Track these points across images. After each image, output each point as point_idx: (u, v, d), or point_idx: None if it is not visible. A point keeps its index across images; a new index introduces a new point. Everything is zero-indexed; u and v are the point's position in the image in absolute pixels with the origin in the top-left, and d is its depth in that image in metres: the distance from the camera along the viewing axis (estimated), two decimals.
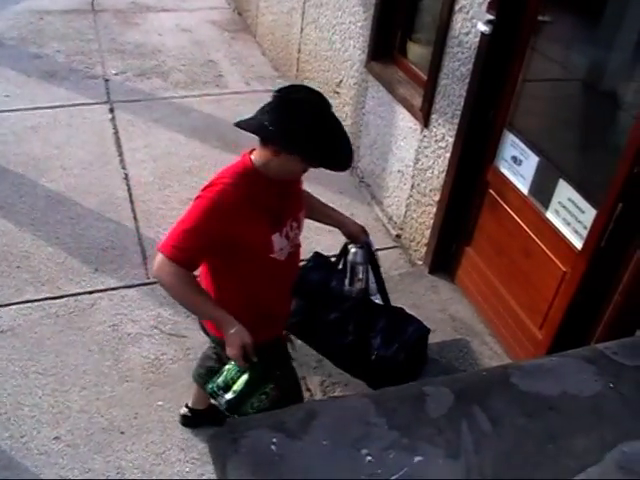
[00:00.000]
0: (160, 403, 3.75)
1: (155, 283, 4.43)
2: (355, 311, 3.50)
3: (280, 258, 2.74)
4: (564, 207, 3.59)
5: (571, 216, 3.55)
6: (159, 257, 2.57)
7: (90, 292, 4.38)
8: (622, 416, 1.52)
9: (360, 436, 1.36)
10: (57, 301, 4.28)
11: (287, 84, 2.86)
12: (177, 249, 2.53)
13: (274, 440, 1.34)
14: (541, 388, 1.55)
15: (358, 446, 1.35)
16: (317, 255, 3.88)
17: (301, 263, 3.26)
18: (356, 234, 3.15)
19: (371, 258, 3.23)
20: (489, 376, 1.62)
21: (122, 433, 3.59)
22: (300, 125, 2.47)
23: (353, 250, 3.15)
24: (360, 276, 3.19)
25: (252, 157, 2.67)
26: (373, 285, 3.32)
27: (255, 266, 2.72)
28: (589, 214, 3.41)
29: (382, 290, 3.43)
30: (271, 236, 2.67)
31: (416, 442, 1.37)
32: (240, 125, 2.59)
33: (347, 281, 3.21)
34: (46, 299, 4.30)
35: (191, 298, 2.64)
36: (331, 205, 5.36)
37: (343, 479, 1.29)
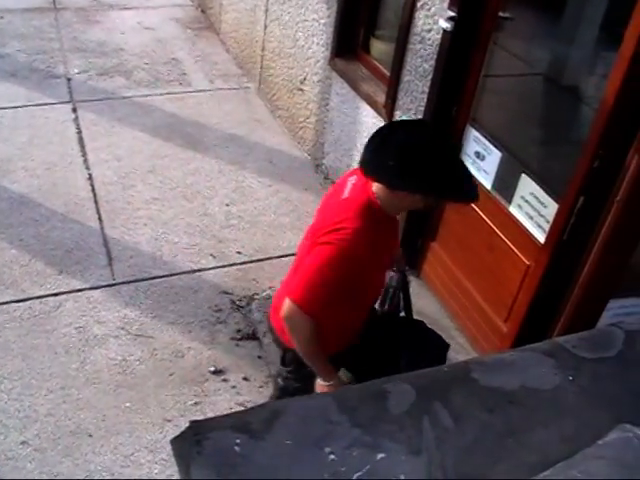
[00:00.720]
0: (128, 405, 3.74)
1: (121, 284, 4.42)
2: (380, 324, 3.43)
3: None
4: (527, 201, 3.64)
5: (534, 210, 3.59)
6: (292, 306, 2.54)
7: (55, 294, 4.34)
8: (581, 408, 1.55)
9: (323, 435, 1.37)
10: (22, 304, 4.24)
11: (387, 122, 2.82)
12: (313, 303, 2.51)
13: (237, 441, 1.34)
14: (502, 383, 1.57)
15: (321, 444, 1.35)
16: None
17: None
18: (397, 258, 3.14)
19: (404, 284, 3.25)
20: (450, 372, 1.63)
21: (90, 436, 3.57)
22: (431, 166, 2.41)
23: (390, 274, 3.16)
24: (392, 299, 3.21)
25: (374, 191, 2.57)
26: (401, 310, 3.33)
27: (359, 301, 2.75)
28: (551, 208, 3.46)
29: (408, 314, 3.39)
30: (385, 274, 2.67)
31: (378, 439, 1.38)
32: (367, 173, 2.52)
33: (378, 301, 3.23)
34: (10, 302, 4.25)
35: (315, 352, 2.65)
36: (296, 203, 5.40)
37: (307, 478, 1.30)
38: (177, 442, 1.36)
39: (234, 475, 1.27)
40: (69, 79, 6.78)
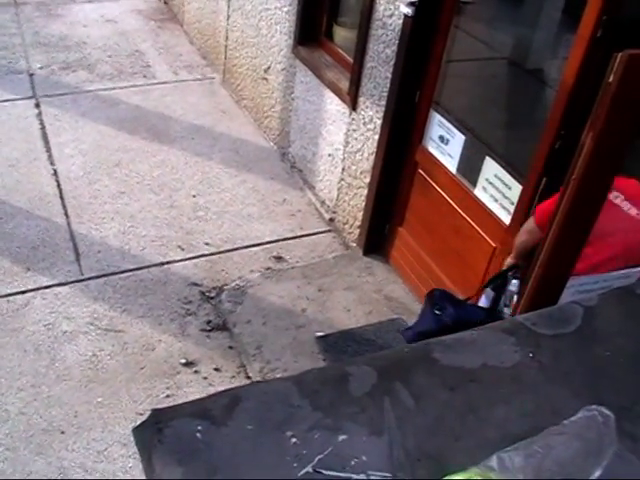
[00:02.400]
0: (99, 400, 3.72)
1: (90, 279, 4.39)
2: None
3: None
4: (491, 184, 3.66)
5: (498, 192, 3.62)
6: None
7: (23, 292, 4.30)
8: (541, 384, 1.57)
9: (284, 419, 1.38)
10: None
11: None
12: None
13: (199, 428, 1.34)
14: (462, 361, 1.58)
15: (283, 429, 1.36)
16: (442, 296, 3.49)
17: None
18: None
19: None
20: (411, 352, 1.64)
21: (62, 433, 3.55)
22: None
23: (514, 281, 3.21)
24: (513, 303, 3.26)
25: None
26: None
27: None
28: (515, 190, 3.48)
29: None
30: None
31: (340, 421, 1.39)
32: None
33: (502, 303, 3.26)
34: None
35: None
36: (264, 193, 5.39)
37: (269, 462, 1.30)
38: (138, 431, 1.37)
39: (196, 462, 1.28)
40: (31, 74, 6.70)
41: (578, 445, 1.32)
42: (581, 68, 2.98)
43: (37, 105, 6.21)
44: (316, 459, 1.30)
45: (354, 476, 1.28)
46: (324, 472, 1.28)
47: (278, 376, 3.66)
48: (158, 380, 3.84)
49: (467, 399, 1.50)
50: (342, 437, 1.35)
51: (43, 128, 5.89)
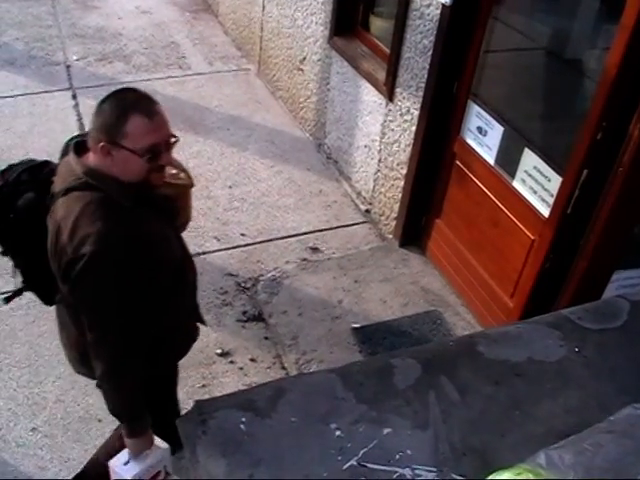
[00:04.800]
0: None
1: None
2: None
3: None
4: (530, 176, 3.62)
5: (537, 184, 3.57)
6: None
7: None
8: (586, 379, 1.54)
9: (328, 411, 1.37)
10: (27, 292, 4.24)
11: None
12: None
13: (243, 419, 1.34)
14: (507, 355, 1.57)
15: (327, 421, 1.36)
16: None
17: None
18: None
19: None
20: (456, 346, 1.63)
21: (99, 421, 3.58)
22: None
23: None
24: None
25: None
26: None
27: None
28: (555, 182, 3.43)
29: None
30: None
31: (384, 414, 1.38)
32: None
33: None
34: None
35: None
36: (300, 184, 5.38)
37: (313, 453, 1.30)
38: (183, 422, 1.37)
39: (240, 454, 1.28)
40: (68, 66, 6.75)
41: (628, 443, 1.30)
42: (624, 58, 2.92)
43: (74, 96, 6.26)
44: (361, 452, 1.29)
45: (399, 470, 1.27)
46: (369, 465, 1.28)
47: (314, 367, 3.66)
48: (194, 370, 3.85)
49: (512, 393, 1.49)
50: (387, 430, 1.34)
51: (80, 119, 5.92)
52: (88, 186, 2.14)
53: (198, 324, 2.79)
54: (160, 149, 2.11)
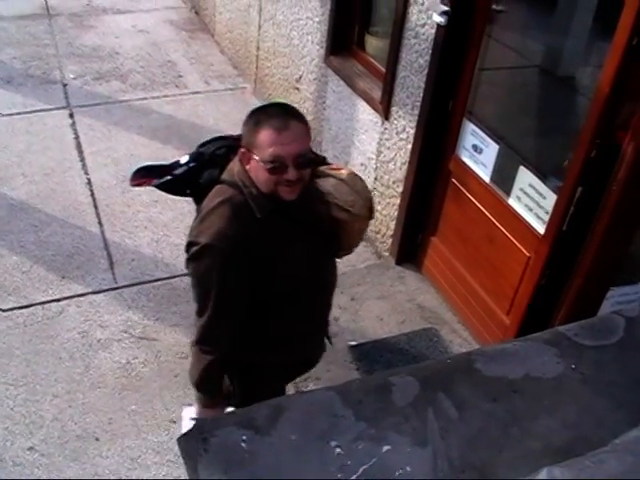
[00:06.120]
0: (133, 407, 3.74)
1: (123, 287, 4.43)
2: None
3: None
4: (525, 193, 3.64)
5: (533, 202, 3.60)
6: None
7: (58, 300, 4.35)
8: (584, 395, 1.56)
9: (328, 429, 1.38)
10: (24, 310, 4.25)
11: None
12: None
13: (244, 437, 1.35)
14: (505, 372, 1.58)
15: (327, 439, 1.37)
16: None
17: None
18: None
19: None
20: (453, 363, 1.64)
21: (97, 439, 3.58)
22: None
23: None
24: None
25: None
26: None
27: None
28: (550, 199, 3.46)
29: None
30: None
31: (383, 432, 1.39)
32: None
33: None
34: (13, 309, 4.25)
35: None
36: None
37: (313, 473, 1.31)
38: (184, 441, 1.38)
39: (241, 471, 1.29)
40: (65, 84, 6.78)
41: (631, 460, 1.31)
42: (617, 76, 2.95)
43: (71, 115, 6.29)
44: (361, 469, 1.30)
45: None
46: None
47: (311, 385, 3.66)
48: (192, 388, 3.84)
49: (510, 410, 1.50)
50: (386, 447, 1.35)
51: (77, 138, 5.95)
52: (235, 185, 2.36)
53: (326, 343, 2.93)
54: (284, 163, 2.24)
